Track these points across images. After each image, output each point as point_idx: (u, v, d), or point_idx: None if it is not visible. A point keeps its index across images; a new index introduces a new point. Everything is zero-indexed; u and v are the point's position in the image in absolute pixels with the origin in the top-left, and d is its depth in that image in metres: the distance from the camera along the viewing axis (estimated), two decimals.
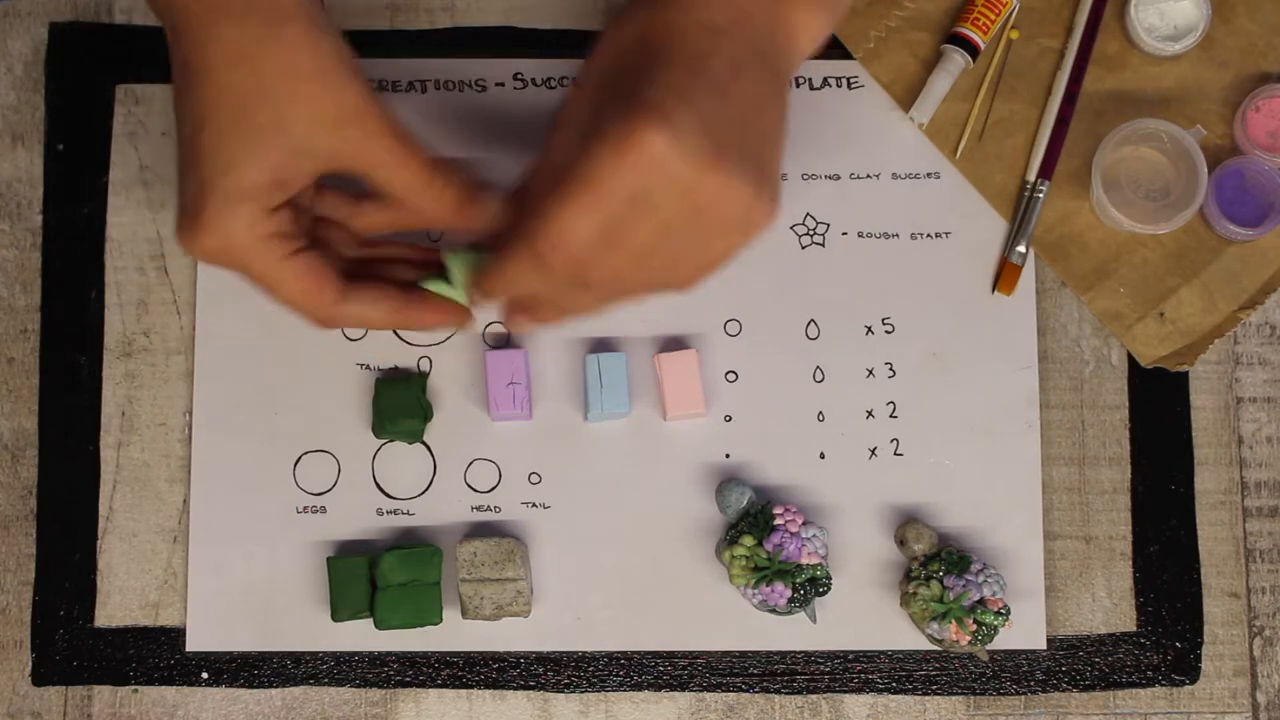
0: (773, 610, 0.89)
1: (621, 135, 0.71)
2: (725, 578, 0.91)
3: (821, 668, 0.92)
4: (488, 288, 0.78)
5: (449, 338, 0.94)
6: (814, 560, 0.88)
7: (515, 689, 0.92)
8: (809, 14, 0.78)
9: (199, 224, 0.75)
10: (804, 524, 0.89)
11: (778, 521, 0.89)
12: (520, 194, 0.79)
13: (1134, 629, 0.93)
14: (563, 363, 0.94)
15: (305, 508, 0.93)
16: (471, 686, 0.92)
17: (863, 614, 0.92)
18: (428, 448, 0.93)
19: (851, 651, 0.92)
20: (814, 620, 0.91)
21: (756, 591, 0.88)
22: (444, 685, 0.92)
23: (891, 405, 0.94)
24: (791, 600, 0.88)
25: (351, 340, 0.94)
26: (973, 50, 0.95)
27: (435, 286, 0.82)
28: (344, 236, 0.83)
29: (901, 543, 0.91)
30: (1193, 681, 0.92)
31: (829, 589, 0.89)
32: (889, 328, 0.95)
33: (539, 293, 0.78)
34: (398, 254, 0.84)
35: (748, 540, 0.88)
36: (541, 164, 0.78)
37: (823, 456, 0.94)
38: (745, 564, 0.88)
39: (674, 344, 0.94)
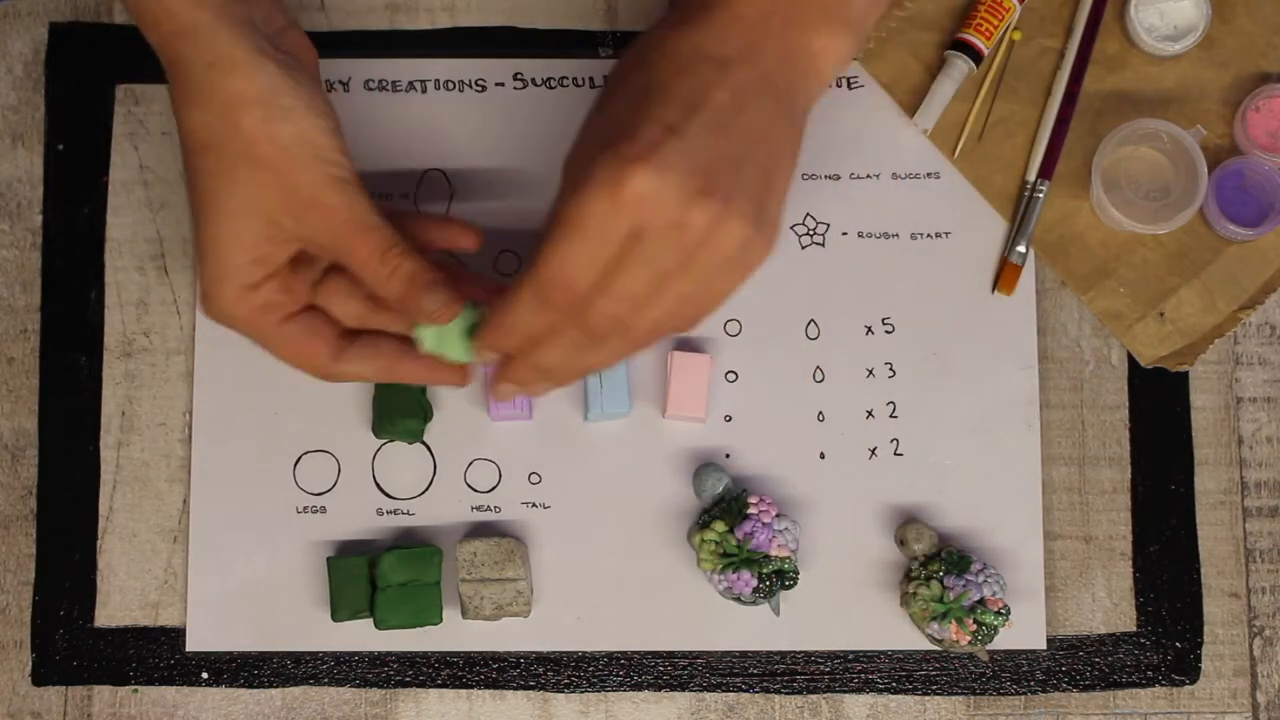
0: (737, 599, 0.90)
1: (608, 174, 0.71)
2: None
3: (821, 668, 0.92)
4: (490, 337, 0.78)
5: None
6: (783, 553, 0.88)
7: (515, 689, 0.92)
8: (829, 39, 0.77)
9: (203, 296, 0.81)
10: (777, 516, 0.89)
11: (751, 510, 0.89)
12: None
13: (1134, 629, 0.93)
14: None
15: (305, 508, 0.93)
16: (471, 686, 0.92)
17: (863, 614, 0.92)
18: (428, 448, 0.93)
19: (851, 651, 0.92)
20: (777, 613, 0.91)
21: (722, 578, 0.88)
22: (444, 685, 0.92)
23: (891, 405, 0.94)
24: (756, 590, 0.88)
25: None
26: (976, 56, 0.95)
27: (427, 334, 0.81)
28: (347, 299, 0.84)
29: (901, 543, 0.91)
30: (1193, 681, 0.92)
31: (795, 583, 0.89)
32: (889, 328, 0.95)
33: (544, 358, 0.77)
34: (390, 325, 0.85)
35: (719, 526, 0.88)
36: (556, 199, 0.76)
37: (823, 456, 0.94)
38: (714, 549, 0.88)
39: (678, 344, 0.94)
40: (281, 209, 0.77)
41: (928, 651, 0.92)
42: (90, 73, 0.96)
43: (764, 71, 0.76)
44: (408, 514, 0.93)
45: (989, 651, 0.92)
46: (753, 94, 0.75)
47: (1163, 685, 0.92)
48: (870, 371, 0.94)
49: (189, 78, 0.77)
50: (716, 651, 0.92)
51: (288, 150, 0.76)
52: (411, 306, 0.80)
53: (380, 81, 0.96)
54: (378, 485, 0.93)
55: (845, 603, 0.92)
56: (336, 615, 0.90)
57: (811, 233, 0.95)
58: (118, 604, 0.92)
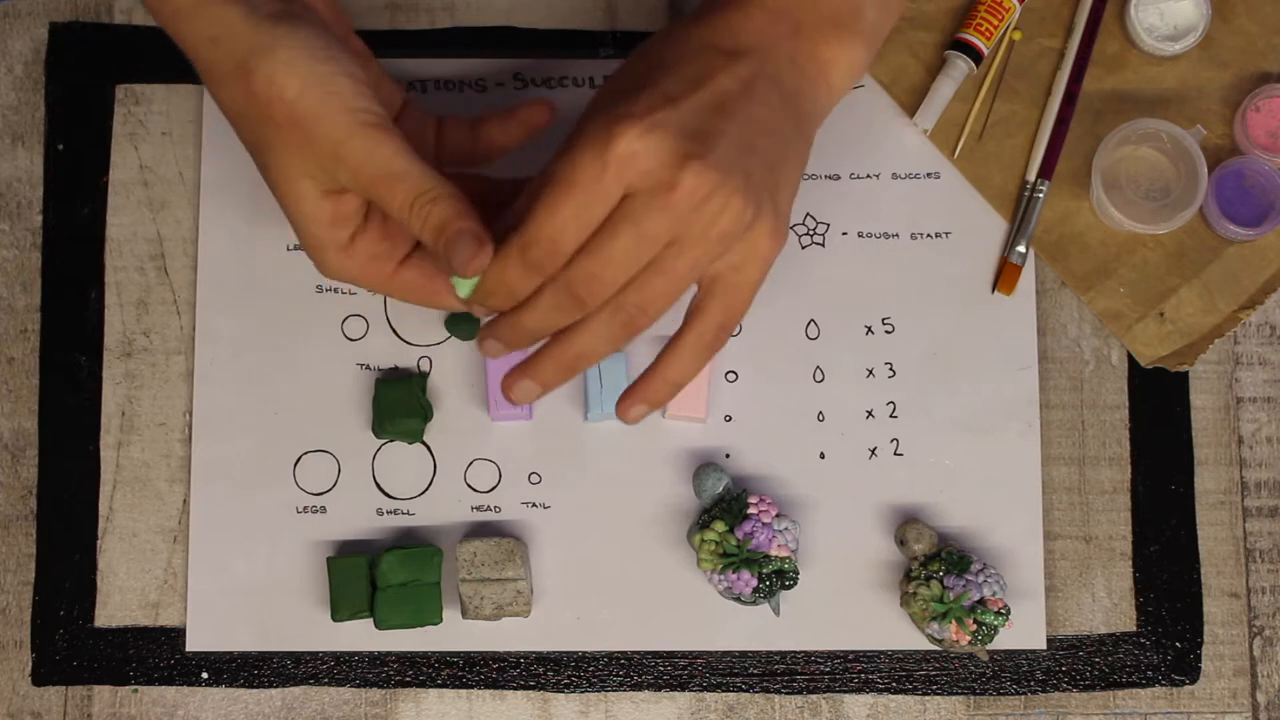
0: (737, 599, 0.90)
1: (598, 133, 0.71)
2: None
3: (821, 668, 0.92)
4: (478, 292, 0.76)
5: (448, 338, 0.94)
6: (783, 553, 0.88)
7: (515, 689, 0.92)
8: (839, 49, 0.78)
9: (316, 265, 0.79)
10: (777, 516, 0.89)
11: (751, 510, 0.88)
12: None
13: (1134, 629, 0.93)
14: None
15: (305, 508, 0.93)
16: (471, 686, 0.92)
17: (863, 614, 0.92)
18: (428, 448, 0.93)
19: (851, 651, 0.92)
20: (777, 613, 0.91)
21: (723, 578, 0.88)
22: (444, 685, 0.92)
23: (891, 405, 0.94)
24: (757, 590, 0.88)
25: (351, 340, 0.94)
26: (976, 56, 0.95)
27: (459, 281, 0.77)
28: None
29: (901, 543, 0.91)
30: (1193, 681, 0.92)
31: (795, 583, 0.89)
32: (889, 328, 0.95)
33: (526, 319, 0.75)
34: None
35: (719, 526, 0.88)
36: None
37: (823, 456, 0.94)
38: (714, 549, 0.88)
39: None
40: (315, 166, 0.75)
41: (928, 651, 0.92)
42: (90, 73, 0.96)
43: (772, 72, 0.76)
44: (408, 514, 0.93)
45: (989, 651, 0.92)
46: (760, 88, 0.75)
47: (1163, 685, 0.92)
48: (870, 371, 0.94)
49: (202, 58, 0.76)
50: (716, 651, 0.92)
51: (298, 105, 0.74)
52: (442, 256, 0.75)
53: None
54: (378, 485, 0.93)
55: (845, 603, 0.92)
56: (336, 615, 0.90)
57: (811, 233, 0.95)
58: (118, 604, 0.92)
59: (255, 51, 0.74)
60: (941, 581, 0.89)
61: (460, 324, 0.94)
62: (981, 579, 0.88)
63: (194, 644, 0.92)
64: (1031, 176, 0.96)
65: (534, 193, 0.73)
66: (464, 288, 0.76)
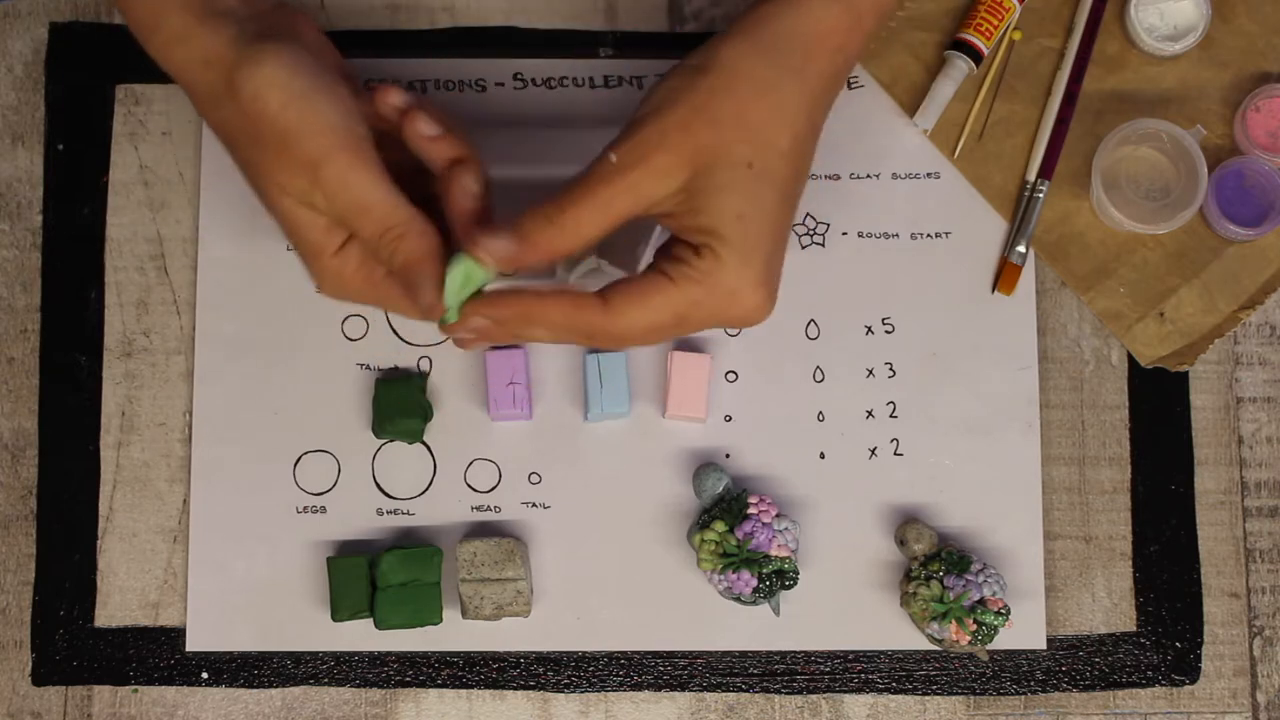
0: (737, 599, 0.90)
1: (719, 288, 0.76)
2: None
3: (821, 668, 0.92)
4: (510, 312, 0.78)
5: (449, 337, 0.94)
6: (783, 553, 0.88)
7: (515, 689, 0.92)
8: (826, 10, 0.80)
9: (312, 280, 0.80)
10: (777, 516, 0.89)
11: (751, 510, 0.88)
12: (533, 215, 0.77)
13: (1134, 629, 0.93)
14: (563, 363, 0.94)
15: (305, 508, 0.93)
16: (471, 686, 0.92)
17: (863, 614, 0.92)
18: (428, 448, 0.93)
19: (851, 651, 0.92)
20: (777, 613, 0.91)
21: (723, 578, 0.88)
22: (444, 685, 0.92)
23: (891, 405, 0.94)
24: (757, 590, 0.88)
25: (351, 340, 0.94)
26: (976, 56, 0.95)
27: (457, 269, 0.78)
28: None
29: (901, 543, 0.91)
30: (1193, 681, 0.92)
31: (795, 583, 0.89)
32: (889, 328, 0.95)
33: (530, 335, 0.79)
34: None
35: (719, 526, 0.88)
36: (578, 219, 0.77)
37: (823, 456, 0.94)
38: (714, 549, 0.88)
39: (678, 344, 0.94)
40: (297, 185, 0.76)
41: (928, 651, 0.92)
42: (90, 73, 0.96)
43: (823, 108, 0.80)
44: (408, 514, 0.93)
45: (989, 651, 0.92)
46: (808, 149, 0.79)
47: (1163, 685, 0.92)
48: (870, 371, 0.94)
49: (198, 80, 0.78)
50: (716, 651, 0.92)
51: (279, 120, 0.75)
52: (410, 291, 0.78)
53: (381, 81, 0.96)
54: (378, 485, 0.93)
55: (845, 603, 0.92)
56: (336, 615, 0.90)
57: (811, 233, 0.95)
58: (118, 604, 0.92)
59: (241, 67, 0.76)
60: (941, 581, 0.89)
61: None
62: (981, 579, 0.88)
63: (194, 644, 0.92)
64: (1031, 176, 0.96)
65: (622, 288, 0.77)
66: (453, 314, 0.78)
